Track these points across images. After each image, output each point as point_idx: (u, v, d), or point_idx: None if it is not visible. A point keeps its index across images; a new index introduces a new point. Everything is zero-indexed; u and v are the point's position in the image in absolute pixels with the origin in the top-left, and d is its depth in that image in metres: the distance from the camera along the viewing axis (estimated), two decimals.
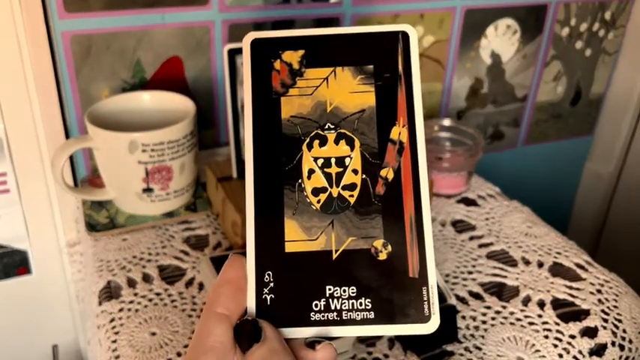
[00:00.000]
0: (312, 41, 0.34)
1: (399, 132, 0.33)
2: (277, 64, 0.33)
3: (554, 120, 1.10)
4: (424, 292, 0.31)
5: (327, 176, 0.33)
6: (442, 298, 0.53)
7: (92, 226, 0.62)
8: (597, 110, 1.14)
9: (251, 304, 0.31)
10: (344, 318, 0.31)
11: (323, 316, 0.31)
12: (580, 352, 0.50)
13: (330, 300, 0.31)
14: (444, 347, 0.49)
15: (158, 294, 0.54)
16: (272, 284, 0.31)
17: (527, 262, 0.60)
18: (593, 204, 1.22)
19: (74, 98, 0.71)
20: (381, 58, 0.34)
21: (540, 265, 0.60)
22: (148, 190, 0.62)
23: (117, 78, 0.72)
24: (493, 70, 0.98)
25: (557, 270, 0.60)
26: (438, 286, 0.53)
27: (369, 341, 0.49)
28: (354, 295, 0.31)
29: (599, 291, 0.57)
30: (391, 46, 0.34)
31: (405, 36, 0.34)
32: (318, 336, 0.31)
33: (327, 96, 0.33)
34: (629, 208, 1.17)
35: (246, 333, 0.30)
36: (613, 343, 0.51)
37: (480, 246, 0.63)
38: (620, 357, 0.51)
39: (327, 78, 0.34)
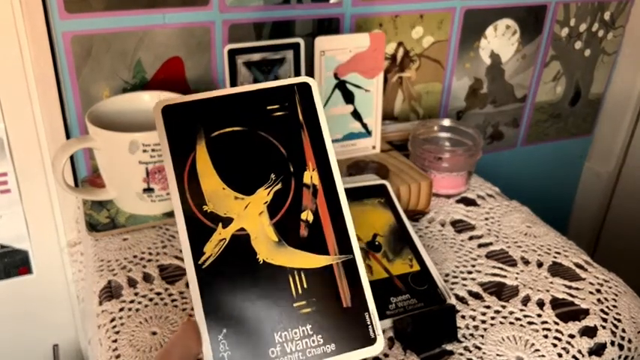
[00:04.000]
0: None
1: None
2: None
3: (553, 120, 1.10)
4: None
5: None
6: (442, 298, 0.53)
7: (93, 226, 0.62)
8: (596, 110, 1.14)
9: None
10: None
11: None
12: (579, 351, 0.50)
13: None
14: (444, 347, 0.50)
15: (159, 293, 0.54)
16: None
17: (526, 262, 0.61)
18: (592, 204, 1.22)
19: (75, 98, 0.71)
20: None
21: (540, 264, 0.60)
22: (148, 190, 0.62)
23: (117, 78, 0.73)
24: (492, 71, 0.98)
25: (557, 270, 0.60)
26: (438, 286, 0.53)
27: None
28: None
29: (598, 291, 0.57)
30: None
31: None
32: None
33: None
34: (628, 207, 1.17)
35: None
36: (612, 343, 0.51)
37: (480, 246, 0.63)
38: (620, 356, 0.51)
39: None
